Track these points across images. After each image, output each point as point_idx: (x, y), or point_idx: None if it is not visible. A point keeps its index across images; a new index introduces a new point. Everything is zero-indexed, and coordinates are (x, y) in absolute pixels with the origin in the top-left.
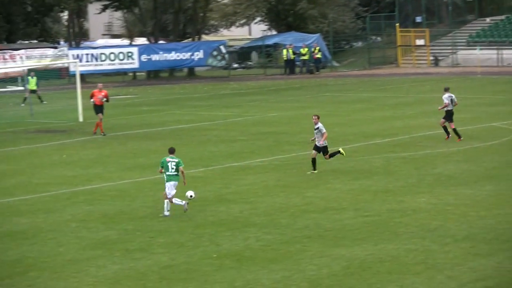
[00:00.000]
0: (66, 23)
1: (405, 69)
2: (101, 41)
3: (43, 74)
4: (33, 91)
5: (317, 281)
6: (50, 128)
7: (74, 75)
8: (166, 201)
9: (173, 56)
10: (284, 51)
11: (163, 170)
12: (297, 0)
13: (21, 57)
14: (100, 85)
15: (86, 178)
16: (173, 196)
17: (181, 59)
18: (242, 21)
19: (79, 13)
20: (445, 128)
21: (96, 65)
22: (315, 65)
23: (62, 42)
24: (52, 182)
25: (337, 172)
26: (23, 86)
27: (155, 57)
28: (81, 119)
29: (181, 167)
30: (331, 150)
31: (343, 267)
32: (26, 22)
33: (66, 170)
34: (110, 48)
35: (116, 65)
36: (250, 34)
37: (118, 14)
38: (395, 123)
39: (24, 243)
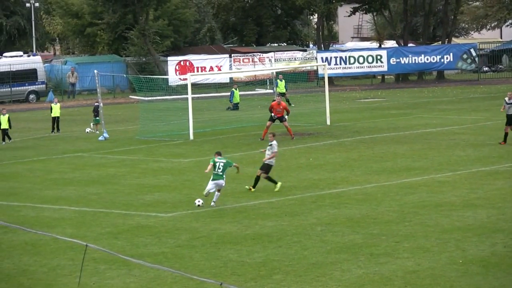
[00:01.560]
0: (315, 26)
1: None
2: (350, 44)
3: (291, 76)
4: (282, 94)
5: None
6: (297, 131)
7: (322, 78)
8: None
9: (422, 59)
10: None
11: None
12: None
13: (270, 60)
14: (278, 98)
15: (332, 182)
16: (208, 193)
17: (430, 62)
18: (493, 24)
19: (328, 16)
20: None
21: (344, 68)
22: None
23: (311, 45)
24: (298, 185)
25: None
26: (272, 89)
27: (404, 60)
28: (328, 122)
29: (234, 164)
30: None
31: None
32: (276, 25)
33: (312, 173)
34: (359, 51)
35: (365, 68)
36: (501, 37)
37: (368, 16)
38: None
39: (269, 246)
